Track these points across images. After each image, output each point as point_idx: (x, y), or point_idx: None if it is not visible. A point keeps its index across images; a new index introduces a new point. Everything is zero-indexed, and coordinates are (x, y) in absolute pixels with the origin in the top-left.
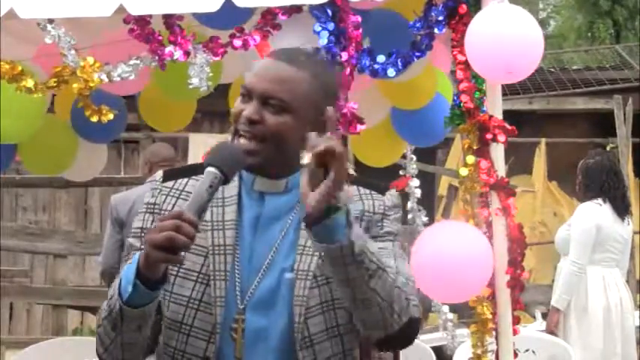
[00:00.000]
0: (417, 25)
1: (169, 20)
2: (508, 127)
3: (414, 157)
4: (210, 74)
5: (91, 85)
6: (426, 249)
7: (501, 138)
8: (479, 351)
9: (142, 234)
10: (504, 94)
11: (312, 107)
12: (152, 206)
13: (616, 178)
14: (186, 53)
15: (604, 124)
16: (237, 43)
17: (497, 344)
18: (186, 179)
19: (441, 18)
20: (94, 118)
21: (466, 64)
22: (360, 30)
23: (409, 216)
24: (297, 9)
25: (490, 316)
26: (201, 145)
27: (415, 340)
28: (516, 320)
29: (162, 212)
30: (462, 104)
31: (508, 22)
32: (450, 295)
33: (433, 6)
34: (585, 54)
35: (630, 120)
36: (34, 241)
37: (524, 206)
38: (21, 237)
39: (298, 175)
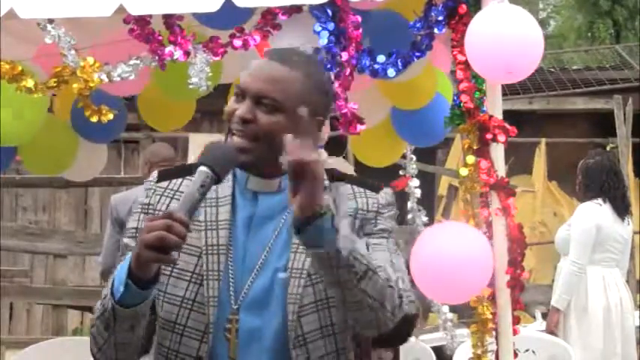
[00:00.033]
0: (417, 25)
1: (169, 20)
2: (508, 127)
3: (414, 157)
4: (210, 74)
5: (91, 85)
6: (426, 249)
7: (501, 138)
8: (479, 351)
9: (137, 234)
10: (504, 94)
11: (305, 107)
12: (147, 206)
13: (616, 178)
14: (186, 53)
15: (604, 124)
16: (237, 43)
17: (497, 344)
18: (180, 179)
19: (440, 18)
20: (94, 118)
21: (466, 64)
22: (360, 30)
23: (409, 216)
24: (297, 9)
25: (490, 316)
26: (201, 145)
27: (412, 336)
28: (516, 320)
29: (157, 212)
30: (462, 104)
31: (508, 22)
32: (450, 296)
33: (433, 6)
34: (585, 54)
35: (630, 120)
36: (34, 241)
37: (524, 206)
38: (21, 237)
39: None
